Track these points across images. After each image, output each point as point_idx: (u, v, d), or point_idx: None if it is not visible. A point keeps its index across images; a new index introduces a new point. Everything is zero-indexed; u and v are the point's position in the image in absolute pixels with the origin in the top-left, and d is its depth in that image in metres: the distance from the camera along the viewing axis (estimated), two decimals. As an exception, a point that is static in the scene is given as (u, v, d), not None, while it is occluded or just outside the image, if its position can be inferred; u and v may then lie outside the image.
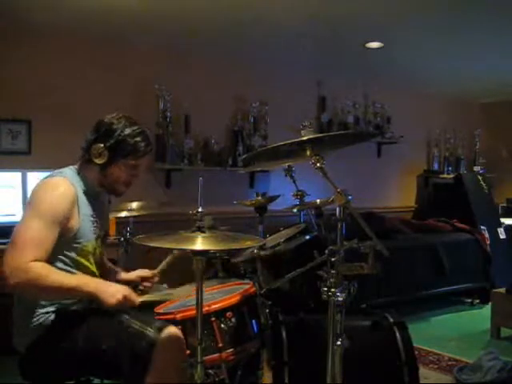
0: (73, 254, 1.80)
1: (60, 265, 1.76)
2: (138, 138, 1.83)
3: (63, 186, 1.75)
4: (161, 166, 4.28)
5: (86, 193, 1.84)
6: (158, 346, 1.65)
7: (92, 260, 1.88)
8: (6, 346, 1.82)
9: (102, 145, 1.80)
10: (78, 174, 1.86)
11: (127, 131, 1.82)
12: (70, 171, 1.85)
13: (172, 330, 1.72)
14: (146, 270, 2.13)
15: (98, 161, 1.81)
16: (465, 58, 4.78)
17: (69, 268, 1.79)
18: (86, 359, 1.73)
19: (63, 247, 1.76)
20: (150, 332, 1.67)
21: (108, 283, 1.78)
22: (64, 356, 1.72)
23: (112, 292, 1.70)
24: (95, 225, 1.86)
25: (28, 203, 1.75)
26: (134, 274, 2.11)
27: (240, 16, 3.62)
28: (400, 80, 5.48)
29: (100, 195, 1.95)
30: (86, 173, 1.86)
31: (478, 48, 4.44)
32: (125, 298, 1.70)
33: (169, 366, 1.67)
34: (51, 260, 1.69)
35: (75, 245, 1.80)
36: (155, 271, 2.13)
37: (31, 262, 1.60)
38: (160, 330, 1.68)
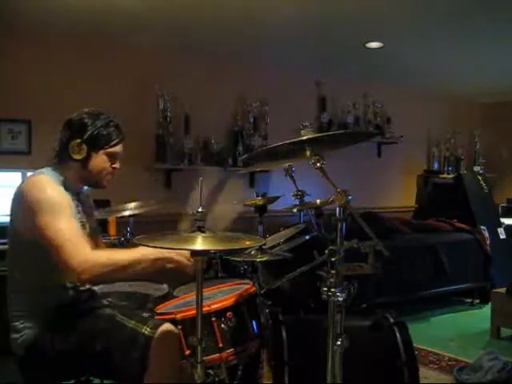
0: None
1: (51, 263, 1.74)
2: (111, 127, 1.88)
3: (47, 179, 1.77)
4: (161, 166, 4.28)
5: (67, 192, 1.83)
6: (153, 345, 1.65)
7: None
8: (5, 346, 1.81)
9: (79, 140, 1.81)
10: (57, 174, 1.84)
11: (99, 123, 1.85)
12: (48, 172, 1.83)
13: (167, 326, 1.72)
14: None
15: (78, 156, 1.82)
16: (465, 58, 4.79)
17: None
18: (83, 359, 1.74)
19: None
20: (146, 331, 1.68)
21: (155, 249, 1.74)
22: (61, 356, 1.72)
23: (170, 253, 1.74)
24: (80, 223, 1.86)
25: (36, 210, 1.68)
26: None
27: (240, 16, 3.62)
28: (400, 80, 5.48)
29: (80, 195, 1.94)
30: (65, 173, 1.85)
31: (478, 48, 4.44)
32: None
33: (166, 365, 1.67)
34: (44, 258, 1.69)
35: None
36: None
37: (92, 251, 1.65)
38: (155, 328, 1.69)
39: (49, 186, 1.74)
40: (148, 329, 1.68)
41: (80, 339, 1.72)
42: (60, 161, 1.86)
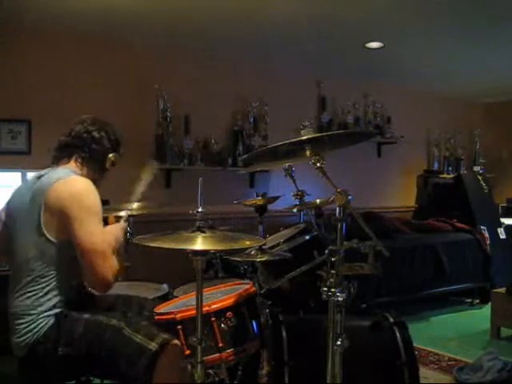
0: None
1: (71, 255, 1.76)
2: (116, 130, 2.06)
3: (88, 182, 1.83)
4: (161, 166, 4.27)
5: None
6: (160, 361, 1.65)
7: None
8: (5, 346, 1.81)
9: (117, 154, 2.02)
10: (76, 173, 1.90)
11: (118, 135, 2.05)
12: (72, 172, 1.88)
13: (175, 343, 1.72)
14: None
15: (111, 167, 2.02)
16: (465, 58, 4.78)
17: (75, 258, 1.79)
18: (85, 364, 1.74)
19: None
20: (154, 347, 1.67)
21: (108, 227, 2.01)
22: (63, 360, 1.72)
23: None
24: None
25: (81, 207, 1.74)
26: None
27: (240, 16, 3.62)
28: (400, 80, 5.48)
29: None
30: (84, 175, 1.93)
31: (478, 48, 4.44)
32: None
33: (172, 380, 1.67)
34: (67, 250, 1.75)
35: None
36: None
37: (115, 262, 1.79)
38: (163, 344, 1.68)
39: (92, 188, 1.81)
40: (156, 345, 1.68)
41: (85, 347, 1.71)
42: (83, 164, 1.95)
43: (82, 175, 1.90)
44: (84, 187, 1.79)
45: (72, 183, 1.79)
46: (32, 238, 1.76)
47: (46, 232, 1.74)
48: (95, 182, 1.95)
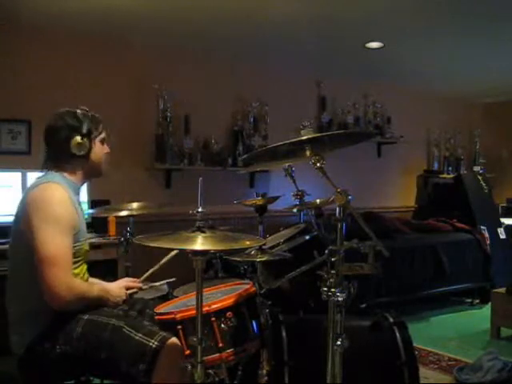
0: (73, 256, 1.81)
1: None
2: (92, 117, 1.96)
3: (61, 192, 1.78)
4: (161, 166, 4.28)
5: (76, 194, 1.91)
6: (160, 358, 1.65)
7: (85, 260, 1.95)
8: (4, 346, 1.81)
9: (79, 136, 1.88)
10: (63, 177, 1.88)
11: (83, 116, 1.93)
12: (56, 177, 1.85)
13: (175, 340, 1.72)
14: (130, 279, 2.15)
15: (82, 152, 1.89)
16: (465, 59, 4.79)
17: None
18: (85, 364, 1.74)
19: None
20: (154, 344, 1.67)
21: (110, 286, 1.98)
22: (62, 359, 1.72)
23: (117, 293, 1.92)
24: (85, 224, 1.94)
25: (39, 219, 1.71)
26: (118, 284, 2.09)
27: (240, 16, 3.62)
28: (400, 80, 5.48)
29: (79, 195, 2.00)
30: (70, 175, 1.90)
31: (478, 48, 4.44)
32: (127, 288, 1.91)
33: (172, 377, 1.67)
34: None
35: (76, 247, 1.82)
36: (139, 280, 2.15)
37: (75, 279, 1.73)
38: (163, 341, 1.68)
39: (60, 197, 1.76)
40: (156, 342, 1.68)
41: (84, 346, 1.71)
42: (61, 164, 1.89)
43: (69, 175, 1.89)
44: (48, 195, 1.75)
45: (40, 190, 1.77)
46: (19, 240, 1.78)
47: (25, 238, 1.74)
48: (89, 173, 1.96)
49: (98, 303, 1.84)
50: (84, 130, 1.88)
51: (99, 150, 1.96)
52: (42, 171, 1.90)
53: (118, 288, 1.97)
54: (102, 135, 1.98)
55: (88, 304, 1.80)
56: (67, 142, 1.86)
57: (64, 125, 1.88)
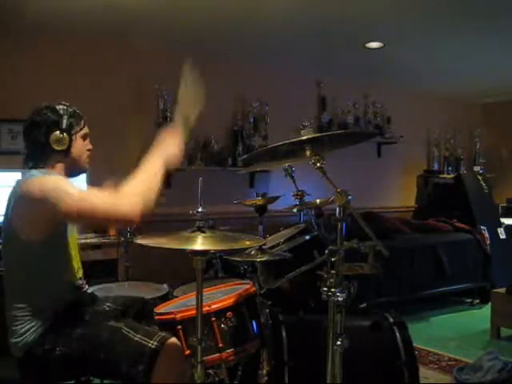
0: (63, 246, 1.82)
1: (52, 254, 1.76)
2: (74, 112, 1.92)
3: (54, 176, 1.77)
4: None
5: None
6: (160, 358, 1.65)
7: (75, 251, 1.93)
8: (4, 347, 1.81)
9: (58, 131, 1.83)
10: (47, 174, 1.82)
11: (64, 111, 1.89)
12: (40, 173, 1.79)
13: (173, 340, 1.71)
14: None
15: (62, 147, 1.83)
16: (465, 58, 4.78)
17: (59, 256, 1.80)
18: (84, 365, 1.74)
19: (55, 240, 1.75)
20: (152, 344, 1.67)
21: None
22: (62, 360, 1.71)
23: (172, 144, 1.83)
24: None
25: (52, 199, 1.63)
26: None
27: (240, 16, 3.62)
28: (400, 80, 5.48)
29: None
30: (51, 170, 1.84)
31: (478, 48, 4.44)
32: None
33: (171, 377, 1.67)
34: (44, 250, 1.70)
35: (65, 237, 1.82)
36: None
37: (120, 195, 1.62)
38: (162, 341, 1.68)
39: (52, 177, 1.74)
40: (155, 342, 1.67)
41: (83, 347, 1.71)
42: (41, 160, 1.84)
43: (56, 171, 1.85)
44: (42, 181, 1.70)
45: (31, 182, 1.72)
46: (12, 239, 1.75)
47: (19, 235, 1.70)
48: (71, 170, 1.90)
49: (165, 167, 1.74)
50: (64, 125, 1.84)
51: (80, 147, 1.90)
52: (23, 170, 1.85)
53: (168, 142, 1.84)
54: (84, 131, 1.93)
55: (158, 182, 1.71)
56: (47, 137, 1.82)
57: (43, 120, 1.83)
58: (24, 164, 1.87)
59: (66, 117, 1.87)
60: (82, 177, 2.20)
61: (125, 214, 1.61)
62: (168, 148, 1.82)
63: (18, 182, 1.80)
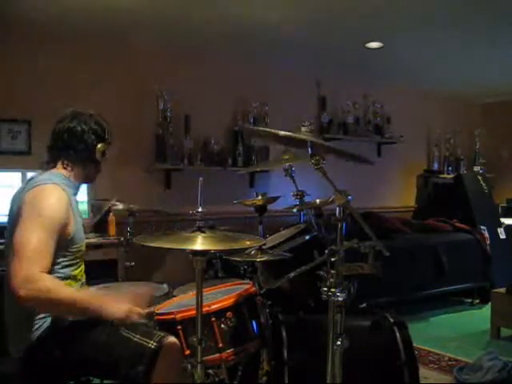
0: (69, 258, 1.80)
1: (58, 269, 1.75)
2: (99, 119, 1.97)
3: (58, 193, 1.74)
4: (161, 166, 4.28)
5: (74, 195, 1.89)
6: (159, 358, 1.65)
7: (83, 261, 1.92)
8: (4, 346, 1.81)
9: (103, 143, 1.92)
10: (64, 177, 1.86)
11: (102, 121, 1.96)
12: (57, 177, 1.82)
13: (172, 340, 1.72)
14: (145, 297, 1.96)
15: (101, 159, 1.93)
16: (465, 58, 4.78)
17: (67, 270, 1.79)
18: (84, 366, 1.74)
19: (59, 252, 1.74)
20: (152, 345, 1.67)
21: (112, 297, 1.79)
22: (61, 362, 1.71)
23: (118, 306, 1.69)
24: (83, 224, 1.92)
25: (26, 213, 1.67)
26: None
27: (240, 16, 3.62)
28: (400, 80, 5.48)
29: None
30: (73, 176, 1.89)
31: (478, 48, 4.44)
32: (130, 311, 1.70)
33: (171, 377, 1.67)
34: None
35: (72, 249, 1.80)
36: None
37: (40, 273, 1.57)
38: (161, 341, 1.68)
39: (52, 198, 1.72)
40: (154, 343, 1.67)
41: (83, 348, 1.71)
42: (73, 163, 1.89)
43: (73, 176, 1.88)
44: (45, 195, 1.71)
45: (39, 190, 1.73)
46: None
47: None
48: (90, 176, 1.97)
49: (82, 311, 1.66)
50: (107, 139, 1.94)
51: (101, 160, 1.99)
52: (41, 170, 1.88)
53: (118, 304, 1.71)
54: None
55: (68, 309, 1.65)
56: (93, 147, 1.90)
57: (89, 129, 1.90)
58: (46, 165, 1.90)
59: (107, 130, 1.96)
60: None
61: (17, 285, 1.53)
62: (111, 307, 1.69)
63: (29, 185, 1.79)
